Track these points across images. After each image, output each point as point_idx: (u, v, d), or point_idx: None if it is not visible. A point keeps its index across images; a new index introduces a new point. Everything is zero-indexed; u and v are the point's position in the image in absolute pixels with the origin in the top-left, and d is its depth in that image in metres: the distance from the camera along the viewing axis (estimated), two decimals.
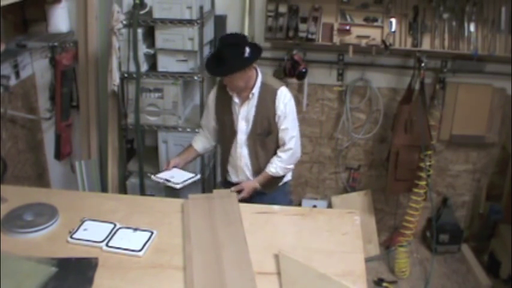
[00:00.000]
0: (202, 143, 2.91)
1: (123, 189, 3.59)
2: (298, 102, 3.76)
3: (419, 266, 3.82)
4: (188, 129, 3.38)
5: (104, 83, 3.45)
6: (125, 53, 3.23)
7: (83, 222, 2.32)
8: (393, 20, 3.36)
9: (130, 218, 2.39)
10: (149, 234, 2.25)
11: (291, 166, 2.84)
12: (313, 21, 3.39)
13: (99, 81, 3.58)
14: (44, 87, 3.59)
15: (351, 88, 3.71)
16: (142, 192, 3.47)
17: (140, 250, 2.15)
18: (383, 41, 3.38)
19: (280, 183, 2.89)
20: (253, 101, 2.68)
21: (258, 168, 2.78)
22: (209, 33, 3.47)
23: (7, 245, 2.11)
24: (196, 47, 3.21)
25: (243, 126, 2.72)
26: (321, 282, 1.85)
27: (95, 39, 3.48)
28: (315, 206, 3.85)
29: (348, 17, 3.44)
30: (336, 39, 3.44)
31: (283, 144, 2.74)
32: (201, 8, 3.17)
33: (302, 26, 3.37)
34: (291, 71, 3.47)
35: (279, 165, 2.75)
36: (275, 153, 2.78)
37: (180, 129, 3.41)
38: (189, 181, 2.68)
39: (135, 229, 2.29)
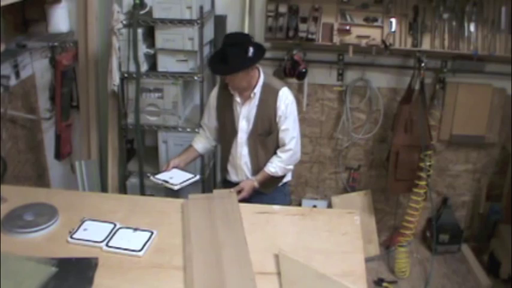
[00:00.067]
0: (202, 143, 2.91)
1: (123, 189, 3.59)
2: (298, 102, 3.74)
3: (419, 266, 3.82)
4: (188, 129, 3.38)
5: (104, 83, 3.45)
6: (125, 53, 3.23)
7: (83, 222, 2.32)
8: (393, 20, 3.35)
9: (130, 218, 2.39)
10: (149, 234, 2.25)
11: (291, 167, 2.84)
12: (313, 21, 3.39)
13: (99, 81, 3.58)
14: (44, 87, 3.59)
15: (351, 88, 3.71)
16: (142, 192, 3.47)
17: (140, 250, 2.15)
18: (383, 41, 3.38)
19: (280, 184, 2.89)
20: (254, 101, 2.68)
21: (258, 167, 2.78)
22: (209, 33, 3.47)
23: (7, 245, 2.11)
24: (196, 47, 3.21)
25: (243, 126, 2.72)
26: (321, 282, 1.85)
27: (95, 39, 3.49)
28: (315, 206, 3.85)
29: (348, 17, 3.44)
30: (336, 39, 3.44)
31: (284, 144, 2.74)
32: (201, 8, 3.17)
33: (302, 26, 3.37)
34: (291, 71, 3.47)
35: (279, 165, 2.75)
36: (275, 153, 2.78)
37: (180, 129, 3.41)
38: (188, 182, 2.67)
39: (135, 229, 2.29)
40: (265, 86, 2.68)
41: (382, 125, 3.77)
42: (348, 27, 3.42)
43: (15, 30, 3.38)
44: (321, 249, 2.20)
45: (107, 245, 2.18)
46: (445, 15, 3.32)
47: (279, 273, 2.02)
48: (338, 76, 3.69)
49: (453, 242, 3.88)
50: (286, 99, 2.68)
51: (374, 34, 3.41)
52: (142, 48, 3.25)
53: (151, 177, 2.73)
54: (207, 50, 3.44)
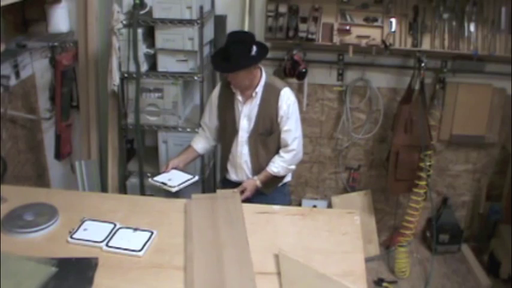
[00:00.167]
0: (201, 143, 2.91)
1: (123, 189, 3.59)
2: (298, 102, 3.76)
3: (419, 266, 3.82)
4: (188, 129, 3.38)
5: (104, 83, 3.45)
6: (125, 53, 3.23)
7: (83, 222, 2.32)
8: (393, 20, 3.35)
9: (130, 218, 2.39)
10: (149, 234, 2.25)
11: (293, 167, 2.84)
12: (313, 21, 3.39)
13: (99, 81, 3.58)
14: (44, 87, 3.59)
15: (350, 88, 3.71)
16: (142, 192, 3.47)
17: (140, 250, 2.15)
18: (383, 41, 3.38)
19: (280, 184, 2.89)
20: (256, 100, 2.68)
21: (258, 167, 2.78)
22: (209, 33, 3.47)
23: (7, 245, 2.11)
24: (196, 47, 3.21)
25: (245, 125, 2.73)
26: (321, 282, 1.85)
27: (95, 39, 3.48)
28: (315, 206, 3.85)
29: (348, 17, 3.44)
30: (336, 39, 3.44)
31: (286, 145, 2.74)
32: (201, 8, 3.17)
33: (302, 26, 3.37)
34: (291, 71, 3.47)
35: (281, 165, 2.75)
36: (275, 153, 2.78)
37: (180, 129, 3.41)
38: (186, 183, 2.64)
39: (135, 229, 2.29)
40: (267, 85, 2.69)
41: (382, 125, 3.77)
42: (348, 27, 3.42)
43: (15, 30, 3.38)
44: (321, 249, 2.20)
45: (107, 245, 2.18)
46: (445, 15, 3.32)
47: (279, 273, 2.02)
48: (338, 76, 3.69)
49: (453, 242, 3.88)
50: (288, 99, 2.69)
51: (374, 34, 3.41)
52: (142, 48, 3.25)
53: (150, 180, 2.70)
54: (207, 50, 3.44)
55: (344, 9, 3.43)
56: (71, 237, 2.22)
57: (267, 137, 2.73)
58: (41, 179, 3.69)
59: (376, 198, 3.99)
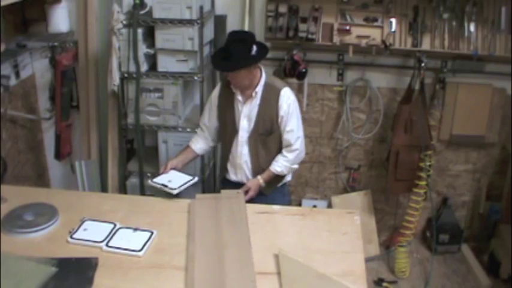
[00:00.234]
0: (200, 143, 2.90)
1: (123, 189, 3.59)
2: (298, 103, 3.76)
3: (419, 266, 3.82)
4: (188, 129, 3.38)
5: (104, 83, 3.45)
6: (125, 53, 3.23)
7: (83, 222, 2.32)
8: (393, 20, 3.35)
9: (130, 218, 2.39)
10: (149, 234, 2.25)
11: (296, 166, 2.85)
12: (313, 21, 3.39)
13: (99, 81, 3.58)
14: (44, 87, 3.59)
15: (350, 88, 3.70)
16: (142, 192, 3.47)
17: (140, 250, 2.15)
18: (383, 41, 3.38)
19: (280, 184, 2.89)
20: (256, 100, 2.68)
21: (258, 167, 2.78)
22: (209, 33, 3.47)
23: (7, 245, 2.11)
24: (196, 47, 3.21)
25: (245, 125, 2.72)
26: (321, 282, 1.85)
27: (95, 39, 3.48)
28: (315, 206, 3.85)
29: (348, 17, 3.44)
30: (336, 39, 3.44)
31: (290, 145, 2.74)
32: (201, 8, 3.17)
33: (302, 26, 3.37)
34: (291, 71, 3.47)
35: (285, 164, 2.76)
36: (276, 153, 2.78)
37: (180, 129, 3.41)
38: (187, 185, 2.62)
39: (135, 229, 2.29)
40: (266, 85, 2.69)
41: (382, 125, 3.77)
42: (348, 27, 3.41)
43: (15, 30, 3.38)
44: (321, 249, 2.20)
45: (107, 245, 2.18)
46: (445, 15, 3.32)
47: (279, 273, 2.02)
48: (338, 76, 3.69)
49: (453, 242, 3.88)
50: (288, 99, 2.69)
51: (374, 34, 3.41)
52: (142, 48, 3.25)
53: (150, 182, 2.67)
54: (207, 50, 3.44)
55: (344, 9, 3.43)
56: (71, 237, 2.22)
57: (267, 137, 2.73)
58: (41, 179, 3.69)
59: (376, 198, 3.99)
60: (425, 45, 3.39)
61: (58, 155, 3.64)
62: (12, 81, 3.18)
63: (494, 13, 3.30)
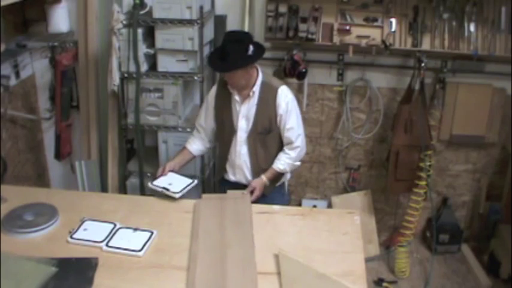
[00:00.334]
0: (197, 145, 2.88)
1: (123, 189, 3.59)
2: (298, 102, 3.75)
3: (419, 266, 3.82)
4: (188, 129, 3.38)
5: (104, 83, 3.45)
6: (125, 53, 3.23)
7: (83, 222, 2.32)
8: (393, 20, 3.35)
9: (130, 218, 2.39)
10: (149, 234, 2.26)
11: (298, 163, 2.85)
12: (313, 21, 3.39)
13: (99, 81, 3.58)
14: (44, 87, 3.59)
15: (351, 88, 3.70)
16: (142, 192, 3.47)
17: (140, 250, 2.15)
18: (383, 41, 3.38)
19: (278, 184, 2.90)
20: (253, 100, 2.68)
21: (257, 166, 2.78)
22: (209, 33, 3.47)
23: (7, 245, 2.11)
24: (196, 47, 3.21)
25: (243, 125, 2.72)
26: (321, 282, 1.85)
27: (95, 39, 3.48)
28: (315, 206, 3.85)
29: (348, 17, 3.43)
30: (336, 39, 3.43)
31: (291, 142, 2.75)
32: (201, 8, 3.17)
33: (302, 26, 3.37)
34: (291, 71, 3.47)
35: (287, 162, 2.76)
36: (275, 152, 2.78)
37: (180, 129, 3.41)
38: (188, 188, 2.62)
39: (135, 229, 2.29)
40: (264, 84, 2.69)
41: (382, 125, 3.77)
42: (348, 27, 3.41)
43: (15, 30, 3.38)
44: (321, 249, 2.20)
45: (107, 245, 2.18)
46: (445, 15, 3.32)
47: (279, 273, 2.02)
48: (338, 76, 3.69)
49: (453, 242, 3.88)
50: (285, 97, 2.69)
51: (374, 34, 3.41)
52: (142, 48, 3.25)
53: (150, 185, 2.65)
54: (207, 50, 3.44)
55: (344, 9, 3.43)
56: (71, 237, 2.22)
57: (265, 136, 2.73)
58: (41, 179, 3.69)
59: (376, 198, 3.99)
60: (425, 45, 3.39)
61: (58, 155, 3.65)
62: (12, 81, 3.19)
63: (494, 13, 3.30)
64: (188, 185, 2.63)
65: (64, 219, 2.35)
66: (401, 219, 3.78)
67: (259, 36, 3.57)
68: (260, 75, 2.69)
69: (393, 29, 3.36)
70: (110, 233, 2.25)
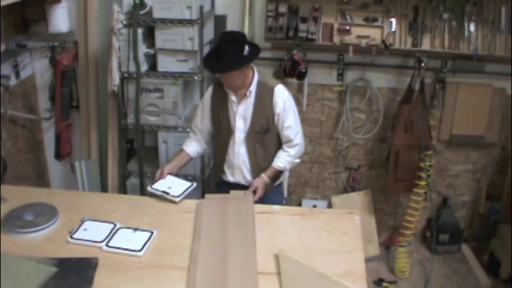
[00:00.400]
0: (193, 146, 2.87)
1: (123, 189, 3.59)
2: (298, 102, 3.75)
3: (419, 266, 3.82)
4: (188, 129, 3.36)
5: (104, 83, 3.45)
6: (125, 53, 3.23)
7: (83, 222, 2.32)
8: (393, 20, 3.35)
9: (130, 218, 2.39)
10: (149, 234, 2.25)
11: (298, 160, 2.86)
12: (313, 21, 3.39)
13: (99, 81, 3.58)
14: (44, 87, 3.59)
15: (350, 88, 3.70)
16: (142, 192, 3.47)
17: (140, 250, 2.15)
18: (383, 41, 3.38)
19: (276, 183, 2.90)
20: (250, 99, 2.68)
21: (257, 166, 2.78)
22: (209, 33, 3.47)
23: (7, 245, 2.11)
24: (196, 47, 3.21)
25: (240, 125, 2.72)
26: (321, 282, 1.85)
27: (95, 39, 3.48)
28: (315, 206, 3.85)
29: (348, 17, 3.43)
30: (336, 39, 3.44)
31: (290, 140, 2.75)
32: (201, 8, 3.17)
33: (302, 26, 3.37)
34: (291, 71, 3.47)
35: (287, 159, 2.77)
36: (273, 151, 2.78)
37: (180, 129, 3.41)
38: (187, 191, 2.61)
39: (135, 229, 2.29)
40: (260, 84, 2.69)
41: (382, 125, 3.77)
42: (348, 27, 3.41)
43: (15, 30, 3.38)
44: (321, 249, 2.20)
45: (107, 245, 2.18)
46: (445, 15, 3.32)
47: (279, 273, 2.02)
48: (338, 76, 3.69)
49: (453, 242, 3.88)
50: (282, 95, 2.69)
51: (374, 34, 3.41)
52: (142, 48, 3.25)
53: (149, 188, 2.62)
54: (207, 50, 3.43)
55: (344, 9, 3.43)
56: (71, 237, 2.22)
57: (263, 135, 2.73)
58: (41, 179, 3.69)
59: (376, 198, 3.99)
60: (425, 45, 3.39)
61: (58, 155, 3.65)
62: (12, 81, 3.19)
63: (494, 13, 3.30)
64: (188, 188, 2.62)
65: (64, 219, 2.35)
66: (401, 219, 3.78)
67: (259, 36, 3.58)
68: (256, 75, 2.69)
69: (393, 29, 3.36)
70: (110, 233, 2.25)
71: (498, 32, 3.31)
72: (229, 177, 2.85)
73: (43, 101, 3.60)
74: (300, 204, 4.03)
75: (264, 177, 2.74)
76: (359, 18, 3.42)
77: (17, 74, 3.27)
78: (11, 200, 2.45)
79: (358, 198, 3.95)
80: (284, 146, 2.78)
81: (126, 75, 3.30)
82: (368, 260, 3.59)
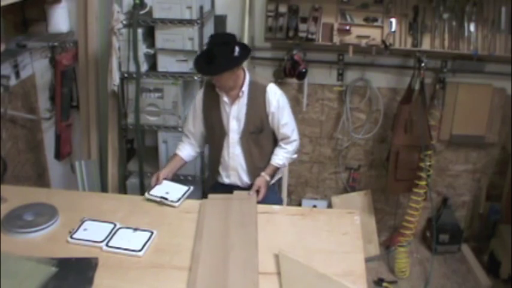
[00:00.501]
0: (187, 150, 2.86)
1: (123, 189, 3.59)
2: (298, 102, 3.77)
3: (419, 266, 3.82)
4: None
5: (104, 83, 3.45)
6: (125, 53, 3.23)
7: (83, 222, 2.32)
8: (393, 20, 3.35)
9: (130, 218, 2.39)
10: (149, 234, 2.26)
11: (295, 156, 2.87)
12: (313, 21, 3.39)
13: (99, 81, 3.58)
14: (44, 87, 3.59)
15: (350, 88, 3.70)
16: (143, 192, 3.46)
17: (140, 250, 2.15)
18: (383, 41, 3.38)
19: (272, 182, 2.90)
20: (243, 100, 2.68)
21: (253, 166, 2.78)
22: (209, 33, 3.45)
23: (7, 245, 2.11)
24: (196, 47, 3.21)
25: (234, 126, 2.72)
26: (321, 282, 1.85)
27: (95, 39, 3.48)
28: (315, 206, 3.85)
29: (348, 17, 3.43)
30: (336, 39, 3.43)
31: (287, 137, 2.76)
32: (201, 8, 3.17)
33: (302, 26, 3.37)
34: (291, 71, 3.47)
35: (286, 156, 2.78)
36: (269, 150, 2.79)
37: (180, 129, 3.40)
38: (185, 196, 2.61)
39: (135, 229, 2.29)
40: (251, 84, 2.69)
41: (382, 125, 3.77)
42: (348, 27, 3.41)
43: (15, 30, 3.38)
44: (321, 249, 2.20)
45: (107, 245, 2.18)
46: (445, 15, 3.32)
47: (279, 273, 2.02)
48: (338, 76, 3.69)
49: (453, 242, 3.88)
50: (275, 94, 2.69)
51: (374, 34, 3.41)
52: (142, 48, 3.25)
53: (147, 195, 2.61)
54: None
55: (344, 9, 3.43)
56: (71, 237, 2.22)
57: (258, 135, 2.73)
58: (41, 179, 3.69)
59: (376, 198, 3.99)
60: (425, 45, 3.39)
61: (58, 155, 3.65)
62: (12, 81, 3.19)
63: (494, 13, 3.30)
64: (185, 193, 2.62)
65: (64, 219, 2.35)
66: (401, 219, 3.78)
67: (259, 36, 3.58)
68: (247, 75, 2.69)
69: (393, 29, 3.36)
70: (110, 233, 2.25)
71: (498, 32, 3.31)
72: (225, 179, 2.84)
73: (43, 101, 3.61)
74: (300, 204, 4.03)
75: (265, 176, 2.74)
76: (359, 18, 3.42)
77: (17, 74, 3.28)
78: (11, 200, 2.45)
79: (358, 198, 3.95)
80: (281, 143, 2.78)
81: (126, 75, 3.30)
82: (368, 260, 3.59)
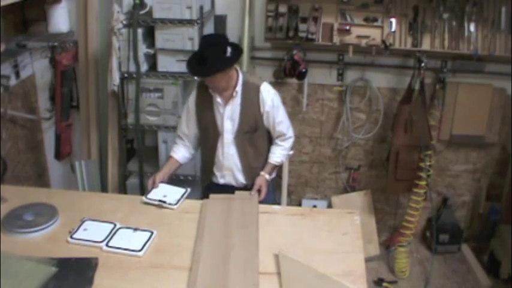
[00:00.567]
0: (182, 152, 2.85)
1: (123, 189, 3.59)
2: (298, 102, 3.77)
3: (419, 266, 3.82)
4: None
5: (104, 83, 3.45)
6: (125, 53, 3.23)
7: (83, 222, 2.32)
8: (393, 20, 3.35)
9: (130, 218, 2.39)
10: (149, 234, 2.25)
11: (292, 152, 2.90)
12: (313, 21, 3.39)
13: (99, 81, 3.58)
14: (44, 87, 3.59)
15: (350, 88, 3.71)
16: (142, 192, 3.46)
17: (140, 250, 2.15)
18: (383, 41, 3.38)
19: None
20: (237, 100, 2.67)
21: (248, 166, 2.77)
22: (209, 33, 3.47)
23: (7, 245, 2.11)
24: (196, 47, 3.20)
25: (228, 126, 2.71)
26: (321, 282, 1.85)
27: (95, 39, 3.48)
28: (315, 206, 3.85)
29: (348, 17, 3.44)
30: (336, 39, 3.44)
31: (283, 135, 2.77)
32: (201, 8, 3.17)
33: (302, 26, 3.37)
34: (291, 71, 3.47)
35: (283, 153, 2.79)
36: (263, 149, 2.79)
37: None
38: (183, 198, 2.60)
39: (135, 229, 2.29)
40: (245, 84, 2.69)
41: (382, 125, 3.77)
42: (348, 27, 3.41)
43: (15, 30, 3.38)
44: (321, 249, 2.20)
45: (107, 245, 2.18)
46: (445, 15, 3.32)
47: (279, 273, 2.02)
48: (338, 76, 3.69)
49: (453, 242, 3.88)
50: (268, 93, 2.69)
51: (374, 34, 3.41)
52: (142, 48, 3.25)
53: (144, 199, 2.59)
54: None
55: (344, 9, 3.43)
56: (71, 237, 2.22)
57: (252, 134, 2.73)
58: (41, 179, 3.69)
59: (376, 198, 3.99)
60: (425, 45, 3.39)
61: (58, 155, 3.65)
62: (12, 81, 3.19)
63: (494, 13, 3.30)
64: (183, 195, 2.62)
65: (64, 219, 2.35)
66: (401, 219, 3.78)
67: (259, 36, 3.58)
68: (240, 75, 2.69)
69: (393, 29, 3.36)
70: (110, 233, 2.25)
71: (498, 32, 3.31)
72: (219, 180, 2.84)
73: (43, 101, 3.61)
74: (300, 204, 4.04)
75: (265, 175, 2.74)
76: (359, 18, 3.42)
77: (17, 74, 3.28)
78: (11, 200, 2.45)
79: (358, 198, 3.95)
80: (277, 141, 2.79)
81: (126, 75, 3.30)
82: (368, 260, 3.59)
